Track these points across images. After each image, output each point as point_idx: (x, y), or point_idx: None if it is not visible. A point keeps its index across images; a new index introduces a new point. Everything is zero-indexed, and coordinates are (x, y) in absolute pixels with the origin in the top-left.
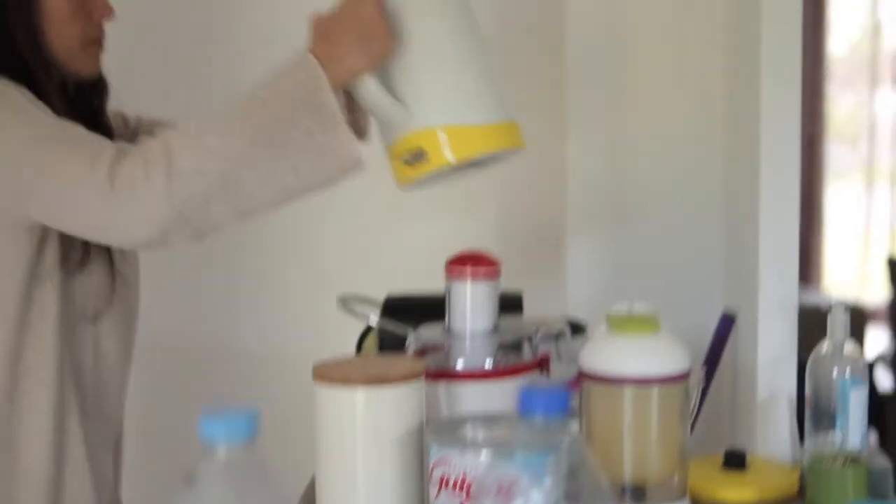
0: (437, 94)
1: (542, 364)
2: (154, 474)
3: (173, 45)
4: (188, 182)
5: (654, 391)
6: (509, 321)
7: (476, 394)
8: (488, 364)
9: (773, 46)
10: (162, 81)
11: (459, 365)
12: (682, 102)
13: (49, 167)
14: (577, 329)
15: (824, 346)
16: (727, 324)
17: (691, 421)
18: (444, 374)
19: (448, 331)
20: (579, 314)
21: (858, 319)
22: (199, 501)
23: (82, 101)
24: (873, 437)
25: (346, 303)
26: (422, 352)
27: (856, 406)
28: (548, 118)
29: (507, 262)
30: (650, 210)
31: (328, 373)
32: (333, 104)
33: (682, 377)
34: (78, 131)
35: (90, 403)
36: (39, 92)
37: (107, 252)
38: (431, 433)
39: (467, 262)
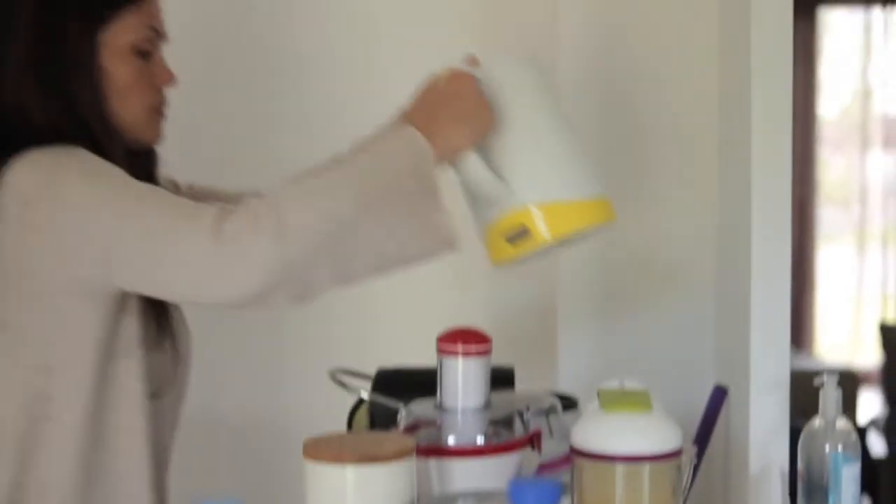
0: (539, 171)
1: (534, 440)
2: None
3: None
4: (297, 239)
5: (646, 469)
6: (501, 396)
7: (467, 470)
8: (480, 440)
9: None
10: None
11: (451, 441)
12: (673, 172)
13: (144, 227)
14: (568, 404)
15: (816, 421)
16: (719, 396)
17: (683, 498)
18: (435, 450)
19: (439, 406)
20: (571, 389)
21: (850, 383)
22: None
23: (139, 168)
24: (867, 503)
25: (337, 376)
26: (413, 427)
27: (848, 481)
28: None
29: (498, 336)
30: (641, 285)
31: (319, 449)
32: (436, 178)
33: (674, 455)
34: (166, 192)
35: (157, 477)
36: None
37: (172, 330)
38: None
39: (459, 339)
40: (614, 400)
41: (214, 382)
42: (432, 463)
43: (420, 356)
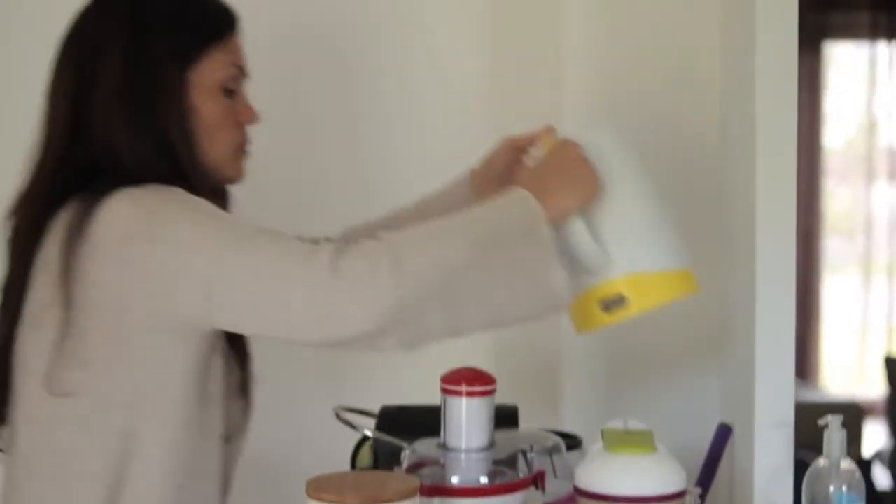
0: (639, 240)
1: (538, 480)
2: None
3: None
4: (413, 281)
5: None
6: (504, 435)
7: None
8: (483, 480)
9: (768, 149)
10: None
11: (454, 481)
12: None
13: (252, 264)
14: (572, 444)
15: (821, 461)
16: (724, 435)
17: None
18: (438, 490)
19: (443, 446)
20: (575, 428)
21: (855, 416)
22: None
23: (218, 206)
24: None
25: (341, 414)
26: (417, 466)
27: None
28: None
29: (502, 374)
30: (646, 322)
31: (322, 488)
32: (548, 236)
33: (678, 496)
34: (271, 229)
35: None
36: None
37: (251, 376)
38: None
39: (462, 380)
40: (618, 440)
41: None
42: (436, 503)
43: (424, 394)
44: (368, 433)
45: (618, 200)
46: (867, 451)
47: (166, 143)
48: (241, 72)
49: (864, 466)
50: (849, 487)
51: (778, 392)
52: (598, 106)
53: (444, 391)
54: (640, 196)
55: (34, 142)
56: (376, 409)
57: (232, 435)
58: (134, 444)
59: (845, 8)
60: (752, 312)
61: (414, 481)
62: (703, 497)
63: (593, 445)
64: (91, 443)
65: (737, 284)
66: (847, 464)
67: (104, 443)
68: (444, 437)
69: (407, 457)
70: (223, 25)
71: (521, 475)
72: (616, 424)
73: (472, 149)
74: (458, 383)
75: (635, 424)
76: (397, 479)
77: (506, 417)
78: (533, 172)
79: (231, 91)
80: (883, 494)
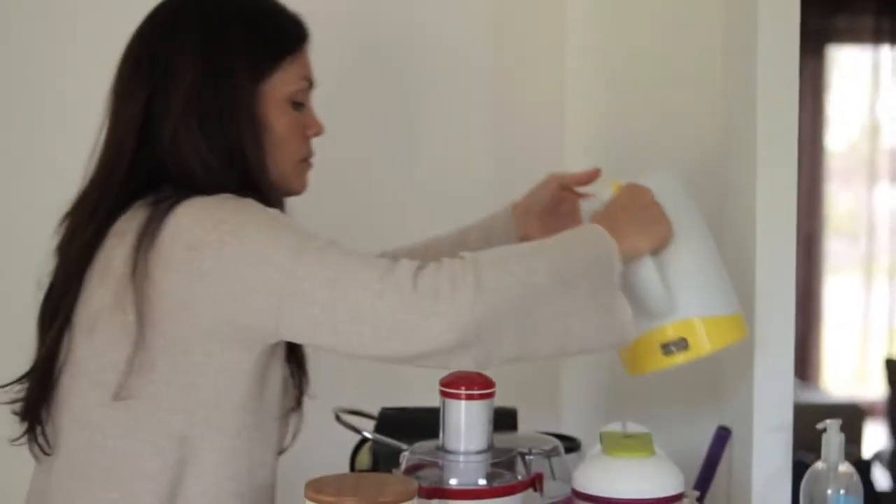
0: (703, 286)
1: (536, 483)
2: None
3: None
4: (493, 300)
5: None
6: (503, 438)
7: None
8: (482, 482)
9: (769, 150)
10: None
11: (453, 483)
12: None
13: (328, 276)
14: (571, 446)
15: (819, 465)
16: (723, 437)
17: None
18: (437, 492)
19: (442, 448)
20: (574, 431)
21: (855, 417)
22: None
23: None
24: None
25: (341, 415)
26: (415, 468)
27: None
28: None
29: (502, 377)
30: None
31: (320, 490)
32: (618, 269)
33: (676, 498)
34: (345, 246)
35: None
36: None
37: (305, 390)
38: None
39: (461, 383)
40: (616, 443)
41: None
42: None
43: (424, 396)
44: (368, 435)
45: (683, 246)
46: (867, 451)
47: (238, 156)
48: (310, 84)
49: (864, 467)
50: (847, 490)
51: (777, 396)
52: (600, 109)
53: (444, 394)
54: (703, 241)
55: (96, 148)
56: (376, 411)
57: (283, 447)
58: (189, 449)
59: (849, 12)
60: (751, 316)
61: (412, 483)
62: (700, 500)
63: (592, 448)
64: (145, 447)
65: (736, 287)
66: (845, 467)
67: (159, 447)
68: (443, 440)
69: (406, 459)
70: (296, 38)
71: (520, 477)
72: (614, 427)
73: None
74: (458, 386)
75: (634, 427)
76: (396, 480)
77: (505, 420)
78: (606, 212)
79: (299, 104)
80: (882, 495)
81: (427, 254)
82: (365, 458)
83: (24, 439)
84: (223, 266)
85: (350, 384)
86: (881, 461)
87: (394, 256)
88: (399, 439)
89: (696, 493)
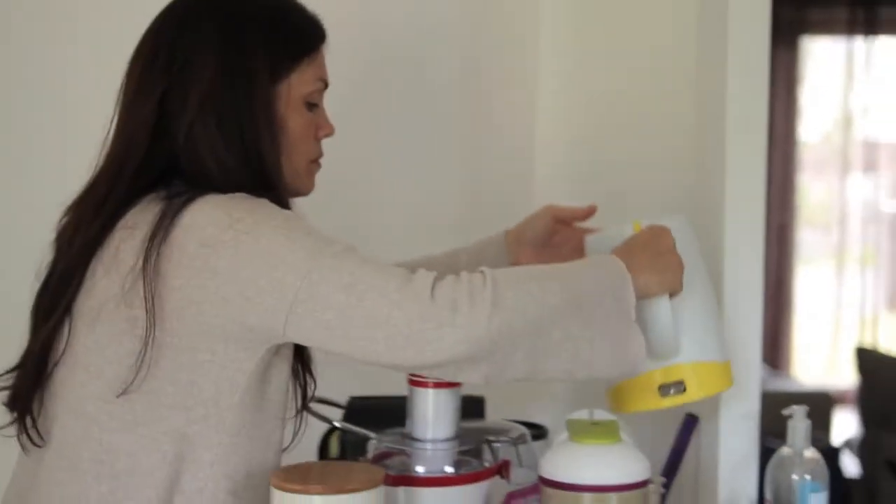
0: (705, 331)
1: (503, 470)
2: None
3: None
4: (510, 317)
5: (613, 499)
6: (470, 426)
7: (436, 500)
8: (449, 470)
9: (739, 139)
10: None
11: (420, 470)
12: (648, 197)
13: (345, 281)
14: (538, 434)
15: (784, 450)
16: (691, 425)
17: None
18: (404, 479)
19: (409, 436)
20: (541, 419)
21: (826, 405)
22: None
23: None
24: None
25: (309, 405)
26: (383, 456)
27: None
28: None
29: None
30: None
31: (287, 478)
32: (632, 301)
33: (641, 485)
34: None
35: None
36: None
37: (310, 391)
38: None
39: None
40: (583, 430)
41: None
42: (401, 492)
43: (392, 385)
44: (336, 424)
45: (690, 289)
46: (837, 439)
47: (255, 155)
48: (325, 85)
49: (833, 455)
50: (812, 476)
51: (744, 384)
52: (572, 101)
53: (412, 382)
54: (707, 286)
55: (105, 142)
56: (344, 399)
57: (286, 447)
58: (187, 446)
59: (822, 3)
60: (719, 304)
61: (379, 471)
62: (668, 486)
63: (559, 436)
64: (142, 443)
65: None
66: (811, 452)
67: (156, 443)
68: (411, 428)
69: (373, 447)
70: (314, 39)
71: (487, 465)
72: (581, 415)
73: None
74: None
75: (601, 415)
76: (362, 468)
77: (472, 408)
78: (626, 247)
79: (313, 104)
80: (851, 482)
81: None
82: (334, 447)
83: (11, 429)
84: (237, 265)
85: (318, 373)
86: (850, 449)
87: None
88: (367, 428)
89: (663, 480)
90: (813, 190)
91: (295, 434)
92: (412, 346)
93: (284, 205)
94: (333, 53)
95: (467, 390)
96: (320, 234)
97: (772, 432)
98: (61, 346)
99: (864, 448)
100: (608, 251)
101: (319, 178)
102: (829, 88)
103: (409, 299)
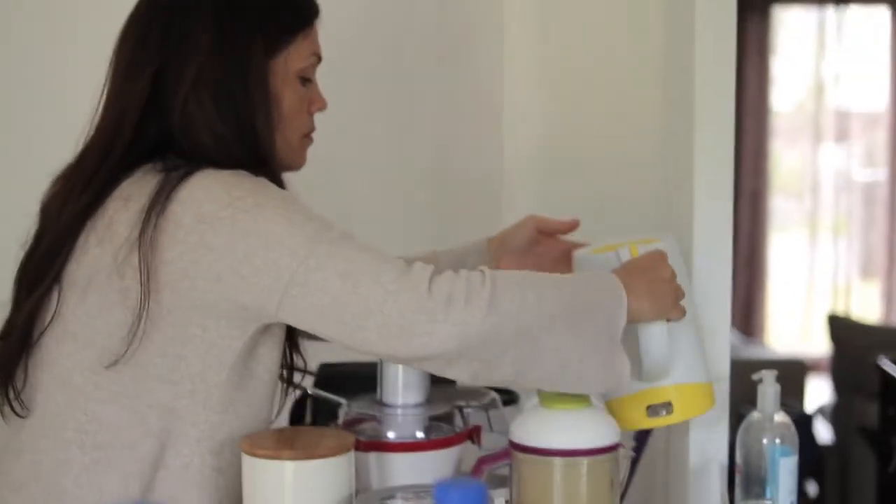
0: (692, 353)
1: (473, 435)
2: None
3: None
4: (504, 319)
5: (584, 463)
6: (441, 392)
7: (407, 465)
8: (419, 435)
9: (706, 103)
10: None
11: (391, 436)
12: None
13: (343, 267)
14: (509, 399)
15: (755, 415)
16: None
17: (621, 491)
18: (375, 445)
19: (380, 402)
20: None
21: (799, 372)
22: None
23: None
24: (813, 489)
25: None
26: (354, 422)
27: (785, 474)
28: None
29: None
30: None
31: (258, 444)
32: (622, 324)
33: (612, 449)
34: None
35: None
36: None
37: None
38: None
39: None
40: (553, 396)
41: None
42: (372, 458)
43: None
44: (308, 390)
45: (687, 321)
46: (810, 407)
47: (249, 129)
48: (318, 60)
49: (806, 421)
50: (782, 440)
51: (714, 347)
52: (539, 69)
53: None
54: (692, 308)
55: (95, 114)
56: (314, 366)
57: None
58: (173, 421)
59: None
60: (689, 271)
61: (349, 437)
62: (639, 451)
63: (529, 401)
64: (127, 415)
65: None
66: (781, 417)
67: (141, 416)
68: (381, 394)
69: (344, 413)
70: (309, 14)
71: (458, 430)
72: None
73: None
74: None
75: None
76: (332, 434)
77: None
78: (625, 269)
79: (307, 79)
80: (824, 448)
81: None
82: (305, 414)
83: None
84: (233, 243)
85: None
86: (823, 416)
87: None
88: (338, 394)
89: (633, 444)
90: (786, 158)
91: (279, 410)
92: (403, 337)
93: (280, 183)
94: None
95: None
96: (319, 219)
97: (746, 399)
98: (49, 315)
99: (836, 415)
100: (597, 269)
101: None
102: (801, 57)
103: (406, 290)
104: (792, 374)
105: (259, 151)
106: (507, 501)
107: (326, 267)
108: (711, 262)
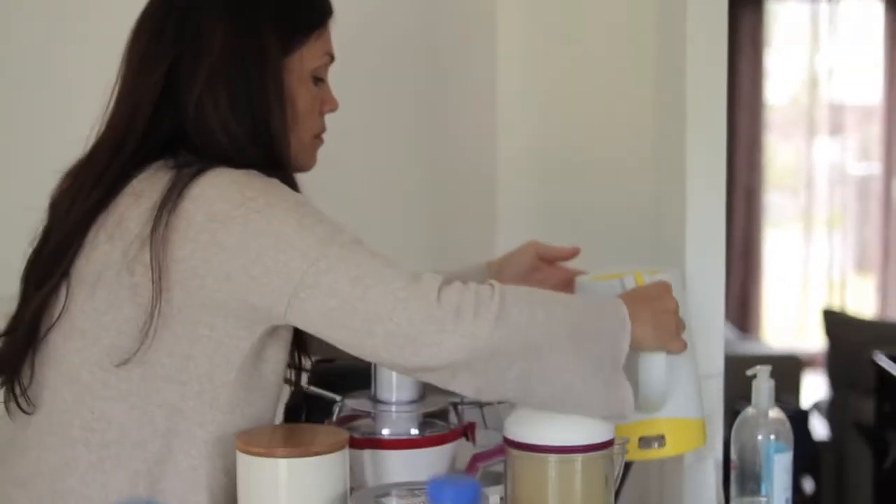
0: (689, 388)
1: (468, 432)
2: None
3: None
4: (512, 332)
5: (578, 459)
6: (436, 388)
7: (402, 462)
8: (414, 432)
9: (699, 99)
10: None
11: (385, 433)
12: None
13: (354, 272)
14: None
15: (749, 410)
16: None
17: (616, 488)
18: (369, 442)
19: (374, 398)
20: None
21: (794, 367)
22: None
23: None
24: (809, 485)
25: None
26: (348, 419)
27: (780, 470)
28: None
29: None
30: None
31: (252, 442)
32: (625, 349)
33: (606, 445)
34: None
35: None
36: None
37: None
38: (354, 501)
39: None
40: None
41: None
42: (367, 455)
43: None
44: (303, 387)
45: (686, 355)
46: (806, 402)
47: (264, 128)
48: (331, 59)
49: (802, 417)
50: (777, 436)
51: (708, 343)
52: (533, 65)
53: None
54: (692, 343)
55: (106, 110)
56: (309, 363)
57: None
58: (180, 421)
59: None
60: (682, 266)
61: (343, 434)
62: None
63: None
64: (134, 414)
65: (668, 240)
66: (776, 413)
67: (149, 415)
68: (375, 390)
69: (338, 410)
70: (324, 13)
71: (452, 427)
72: None
73: None
74: None
75: None
76: (326, 431)
77: None
78: (630, 297)
79: (319, 79)
80: (820, 444)
81: None
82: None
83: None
84: (245, 243)
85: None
86: (819, 411)
87: None
88: (332, 391)
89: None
90: (780, 152)
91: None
92: (410, 346)
93: (293, 184)
94: None
95: None
96: (331, 222)
97: (741, 395)
98: (57, 311)
99: (832, 410)
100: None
101: None
102: (795, 51)
103: (415, 298)
104: (787, 369)
105: (273, 152)
106: (501, 498)
107: (337, 270)
108: (705, 258)
